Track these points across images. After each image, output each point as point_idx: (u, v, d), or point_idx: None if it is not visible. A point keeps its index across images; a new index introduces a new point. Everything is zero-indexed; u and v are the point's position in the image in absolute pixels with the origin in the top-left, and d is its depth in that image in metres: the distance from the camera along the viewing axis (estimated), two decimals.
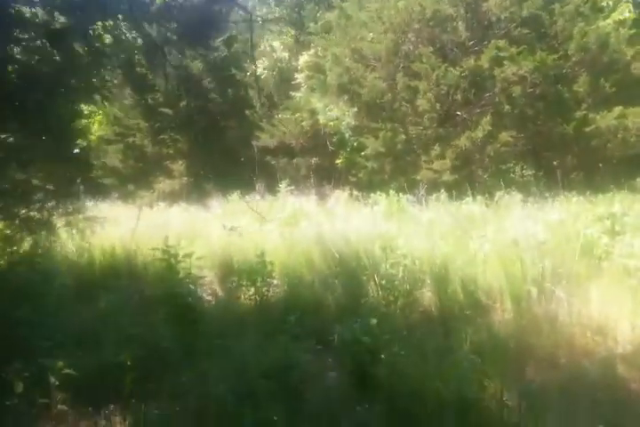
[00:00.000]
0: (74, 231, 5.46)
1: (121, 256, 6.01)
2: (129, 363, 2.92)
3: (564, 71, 10.43)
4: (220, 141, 14.81)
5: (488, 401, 2.73)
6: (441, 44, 11.06)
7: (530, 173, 11.03)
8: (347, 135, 13.37)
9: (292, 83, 14.99)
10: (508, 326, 3.81)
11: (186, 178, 14.52)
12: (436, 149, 10.39)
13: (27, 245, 4.24)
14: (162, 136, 14.87)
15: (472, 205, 7.21)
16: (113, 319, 3.73)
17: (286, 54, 17.06)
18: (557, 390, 2.88)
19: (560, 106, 10.21)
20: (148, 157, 15.09)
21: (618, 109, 9.87)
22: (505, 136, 9.96)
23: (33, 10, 4.24)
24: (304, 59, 14.56)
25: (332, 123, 13.29)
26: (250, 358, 3.08)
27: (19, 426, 2.73)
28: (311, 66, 13.64)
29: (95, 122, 15.12)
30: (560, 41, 10.68)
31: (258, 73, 16.34)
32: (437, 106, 10.49)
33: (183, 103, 14.64)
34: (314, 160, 14.10)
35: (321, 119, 13.45)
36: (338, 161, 13.53)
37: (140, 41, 4.59)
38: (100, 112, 14.24)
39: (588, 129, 9.95)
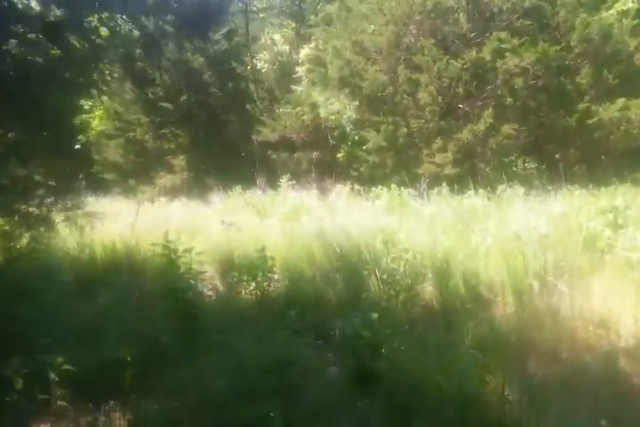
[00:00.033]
0: (74, 227, 5.45)
1: (121, 252, 6.02)
2: (129, 359, 2.91)
3: (567, 63, 10.34)
4: (220, 136, 14.76)
5: (489, 396, 2.71)
6: (442, 36, 10.94)
7: (532, 166, 10.95)
8: (348, 129, 13.29)
9: (293, 76, 14.93)
10: (509, 320, 3.79)
11: (187, 173, 14.47)
12: (438, 142, 10.31)
13: (25, 241, 4.23)
14: (162, 131, 14.84)
15: (474, 199, 7.16)
16: (113, 315, 3.73)
17: (287, 47, 16.98)
18: (559, 385, 2.86)
19: (562, 98, 10.13)
20: (148, 152, 15.05)
21: (621, 101, 9.78)
22: (507, 129, 9.88)
23: (27, 2, 4.19)
24: (305, 52, 14.49)
25: (333, 116, 13.21)
26: (250, 353, 3.07)
27: (19, 422, 2.73)
28: (312, 59, 13.57)
29: (95, 117, 15.09)
30: (562, 32, 10.58)
31: (258, 67, 16.28)
32: (439, 99, 10.40)
33: (183, 97, 14.61)
34: (315, 154, 14.02)
35: (322, 113, 13.36)
36: (339, 155, 13.47)
37: (136, 33, 4.55)
38: (101, 107, 14.23)
39: (590, 121, 9.88)
